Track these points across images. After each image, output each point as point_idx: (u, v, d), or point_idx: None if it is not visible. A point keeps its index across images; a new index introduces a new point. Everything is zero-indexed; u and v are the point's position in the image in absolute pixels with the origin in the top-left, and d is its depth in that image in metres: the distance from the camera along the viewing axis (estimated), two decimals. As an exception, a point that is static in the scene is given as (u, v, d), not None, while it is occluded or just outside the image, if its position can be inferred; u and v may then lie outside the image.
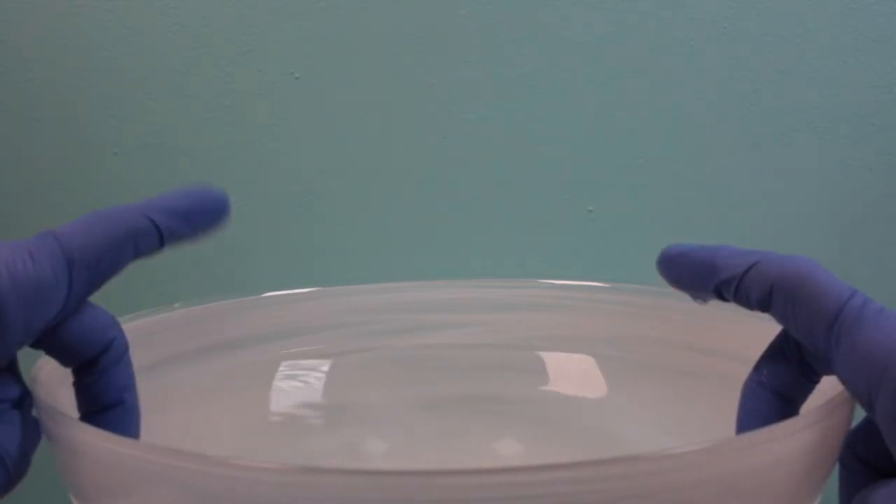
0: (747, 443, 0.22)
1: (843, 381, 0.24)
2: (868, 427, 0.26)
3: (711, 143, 0.56)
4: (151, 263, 0.59)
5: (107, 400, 0.27)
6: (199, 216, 0.28)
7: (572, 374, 0.42)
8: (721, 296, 0.27)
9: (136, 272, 0.59)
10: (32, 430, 0.26)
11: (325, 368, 0.42)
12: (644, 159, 0.56)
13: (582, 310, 0.43)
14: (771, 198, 0.57)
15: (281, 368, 0.42)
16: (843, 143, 0.57)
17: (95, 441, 0.23)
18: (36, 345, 0.26)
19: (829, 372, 0.26)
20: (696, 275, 0.28)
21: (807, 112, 0.56)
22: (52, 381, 0.27)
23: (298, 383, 0.42)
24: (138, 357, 0.36)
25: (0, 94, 0.54)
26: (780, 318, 0.26)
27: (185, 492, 0.22)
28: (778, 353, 0.28)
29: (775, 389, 0.27)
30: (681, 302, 0.40)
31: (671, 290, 0.41)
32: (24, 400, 0.26)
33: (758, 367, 0.28)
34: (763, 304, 0.26)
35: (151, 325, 0.37)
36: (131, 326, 0.36)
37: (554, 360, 0.43)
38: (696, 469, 0.21)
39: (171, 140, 0.55)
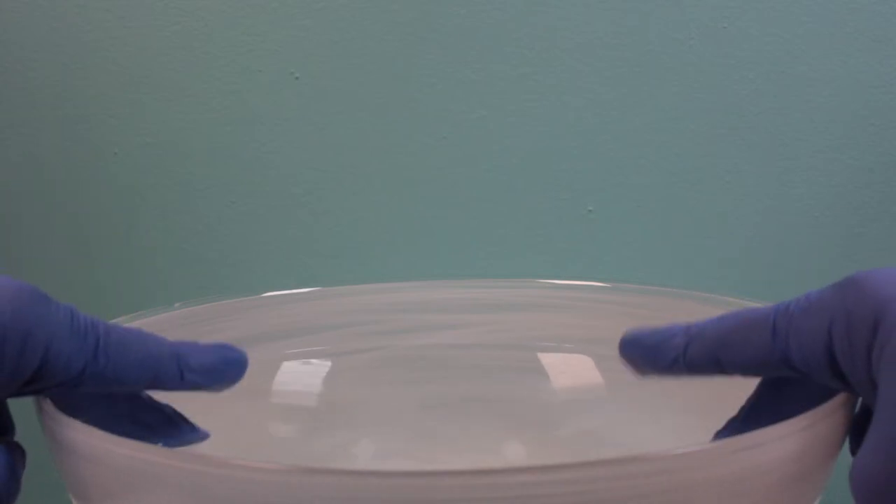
0: (747, 444, 0.22)
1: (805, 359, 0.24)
2: (864, 416, 0.26)
3: (711, 143, 0.56)
4: (151, 263, 0.59)
5: None
6: (220, 375, 0.28)
7: (572, 374, 0.42)
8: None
9: (136, 271, 0.59)
10: (19, 455, 0.26)
11: (325, 368, 0.42)
12: (644, 159, 0.56)
13: (582, 310, 0.43)
14: (771, 198, 0.57)
15: (281, 368, 0.42)
16: (843, 143, 0.57)
17: (95, 441, 0.23)
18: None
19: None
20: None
21: (807, 112, 0.56)
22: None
23: (298, 383, 0.42)
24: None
25: (0, 94, 0.54)
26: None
27: (185, 492, 0.22)
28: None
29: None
30: (681, 302, 0.40)
31: (671, 289, 0.41)
32: (9, 426, 0.27)
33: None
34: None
35: (151, 325, 0.37)
36: (132, 326, 0.36)
37: (554, 361, 0.43)
38: (697, 470, 0.21)
39: (171, 140, 0.55)
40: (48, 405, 0.25)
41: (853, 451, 0.27)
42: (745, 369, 0.26)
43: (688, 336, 0.27)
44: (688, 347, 0.27)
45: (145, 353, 0.26)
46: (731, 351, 0.26)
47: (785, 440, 0.23)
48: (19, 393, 0.25)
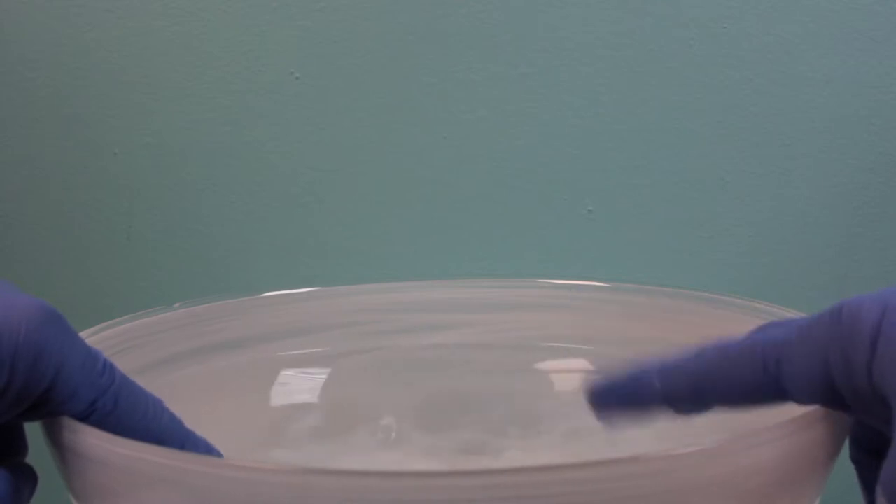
0: (745, 444, 0.22)
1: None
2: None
3: (711, 143, 0.56)
4: (151, 263, 0.59)
5: None
6: None
7: (572, 374, 0.42)
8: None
9: (136, 271, 0.59)
10: (28, 478, 0.26)
11: (326, 368, 0.42)
12: (644, 159, 0.56)
13: (582, 310, 0.43)
14: (771, 198, 0.57)
15: (281, 368, 0.42)
16: (843, 143, 0.57)
17: (95, 441, 0.23)
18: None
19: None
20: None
21: (807, 112, 0.56)
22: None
23: (298, 383, 0.42)
24: (138, 357, 0.36)
25: (0, 94, 0.54)
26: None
27: (185, 492, 0.22)
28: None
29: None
30: (681, 302, 0.40)
31: (671, 289, 0.41)
32: (20, 448, 0.27)
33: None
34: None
35: (151, 325, 0.37)
36: (132, 326, 0.36)
37: (553, 360, 0.43)
38: (695, 470, 0.21)
39: (171, 140, 0.55)
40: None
41: (853, 456, 0.27)
42: (732, 402, 0.25)
43: (663, 374, 0.26)
44: (666, 385, 0.26)
45: (157, 421, 0.27)
46: (717, 385, 0.25)
47: (783, 441, 0.23)
48: (25, 416, 0.25)
